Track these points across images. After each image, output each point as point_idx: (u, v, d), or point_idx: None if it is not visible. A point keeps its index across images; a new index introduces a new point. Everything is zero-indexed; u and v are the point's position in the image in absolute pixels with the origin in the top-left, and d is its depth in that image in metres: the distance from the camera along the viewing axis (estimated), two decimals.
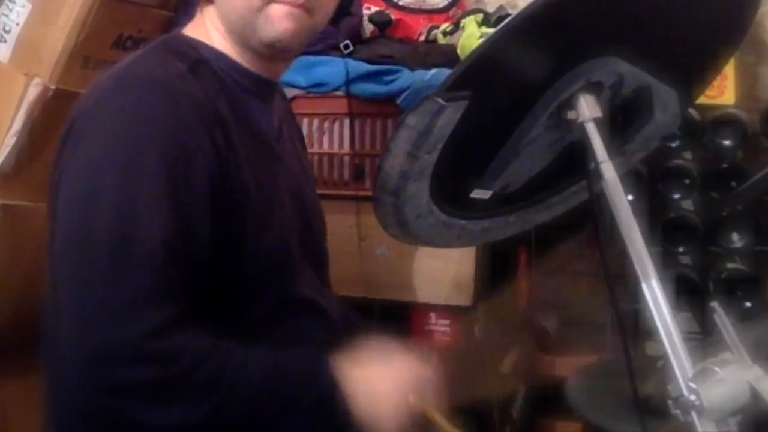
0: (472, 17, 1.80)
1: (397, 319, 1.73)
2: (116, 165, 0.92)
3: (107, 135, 0.94)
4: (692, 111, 2.03)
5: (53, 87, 1.41)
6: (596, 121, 0.86)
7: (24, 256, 1.43)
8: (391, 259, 1.69)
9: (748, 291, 2.06)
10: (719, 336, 0.80)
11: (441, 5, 1.96)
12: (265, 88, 1.10)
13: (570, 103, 0.87)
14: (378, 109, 1.70)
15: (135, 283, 0.87)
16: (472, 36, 1.75)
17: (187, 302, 0.90)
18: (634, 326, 2.08)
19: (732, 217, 2.13)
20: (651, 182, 2.14)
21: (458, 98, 0.80)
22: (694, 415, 0.72)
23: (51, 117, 1.39)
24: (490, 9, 1.95)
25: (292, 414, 0.94)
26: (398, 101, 1.66)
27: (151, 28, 1.48)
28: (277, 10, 1.01)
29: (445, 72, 1.64)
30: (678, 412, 0.73)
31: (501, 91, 0.86)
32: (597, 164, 0.84)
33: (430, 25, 1.92)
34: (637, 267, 0.78)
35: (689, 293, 2.09)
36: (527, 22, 0.78)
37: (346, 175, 1.72)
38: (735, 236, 2.13)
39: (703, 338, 1.98)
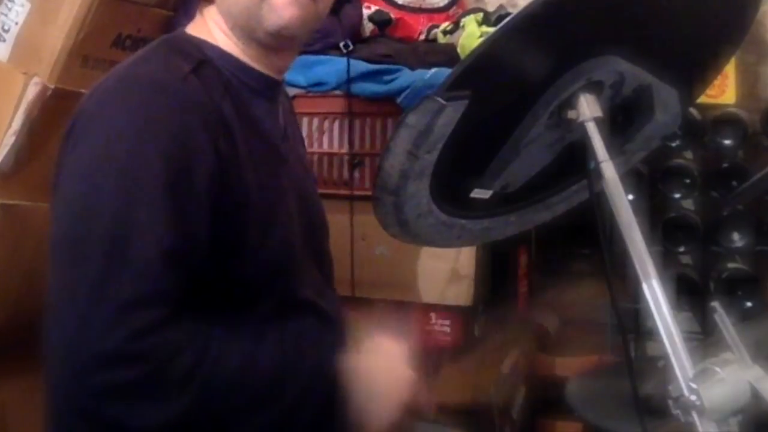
0: (472, 16, 1.80)
1: (397, 319, 1.73)
2: (115, 166, 0.91)
3: (107, 136, 0.93)
4: (693, 110, 2.03)
5: (52, 86, 1.40)
6: (597, 120, 0.86)
7: (23, 255, 1.42)
8: (391, 259, 1.69)
9: (749, 291, 2.06)
10: (720, 336, 0.80)
11: (441, 4, 1.96)
12: (270, 87, 1.09)
13: (570, 103, 0.87)
14: (378, 109, 1.70)
15: (123, 287, 0.86)
16: (472, 35, 1.75)
17: (180, 305, 0.90)
18: (635, 326, 2.08)
19: (732, 217, 2.13)
20: (651, 182, 2.14)
21: (458, 97, 0.80)
22: (695, 415, 0.72)
23: (50, 116, 1.39)
24: (490, 8, 1.95)
25: (289, 413, 0.94)
26: (398, 100, 1.66)
27: (150, 28, 1.47)
28: None
29: (445, 71, 1.64)
30: (678, 412, 0.73)
31: (501, 91, 0.86)
32: (597, 163, 0.84)
33: (430, 24, 1.92)
34: (637, 267, 0.77)
35: (690, 293, 2.09)
36: (527, 21, 0.78)
37: (346, 174, 1.72)
38: (735, 236, 2.13)
39: (704, 338, 1.98)
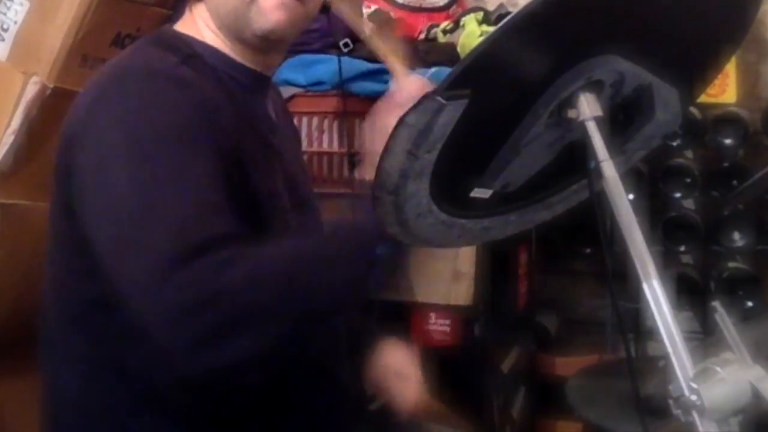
0: (472, 15, 1.80)
1: (397, 318, 1.73)
2: (133, 145, 0.90)
3: (114, 123, 0.93)
4: (693, 109, 2.03)
5: (51, 85, 1.40)
6: (597, 119, 0.86)
7: (22, 255, 1.42)
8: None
9: (750, 290, 2.06)
10: (720, 335, 0.79)
11: (441, 3, 1.96)
12: (259, 82, 1.10)
13: (570, 102, 0.87)
14: None
15: (179, 238, 0.85)
16: (472, 34, 1.75)
17: (233, 233, 0.88)
18: (635, 326, 2.08)
19: (733, 216, 2.13)
20: (652, 181, 2.14)
21: (458, 97, 0.80)
22: (696, 415, 0.72)
23: (49, 115, 1.39)
24: (490, 7, 1.95)
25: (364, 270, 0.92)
26: None
27: (149, 27, 1.47)
28: (268, 2, 1.00)
29: (445, 70, 1.63)
30: (679, 412, 0.73)
31: (501, 90, 0.85)
32: (597, 163, 0.83)
33: (430, 23, 1.92)
34: (637, 266, 0.77)
35: (690, 293, 2.09)
36: (527, 20, 0.77)
37: (346, 173, 1.72)
38: (736, 235, 2.13)
39: (705, 338, 1.98)
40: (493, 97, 0.85)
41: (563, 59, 0.85)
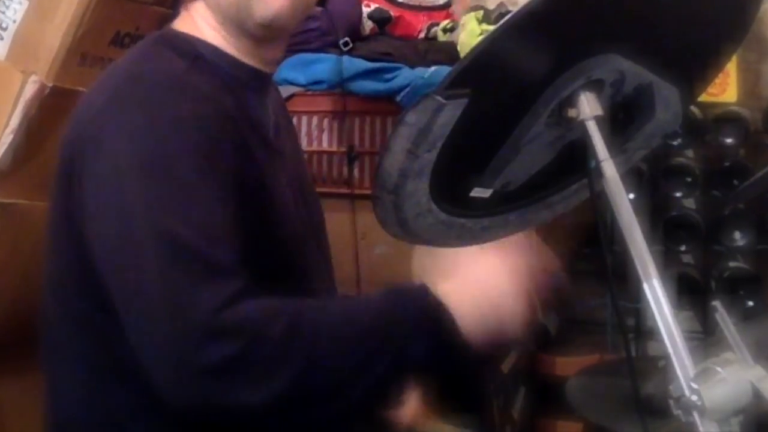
0: (472, 14, 1.80)
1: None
2: (146, 159, 0.90)
3: (130, 135, 0.92)
4: (694, 109, 2.03)
5: (50, 84, 1.40)
6: (597, 119, 0.85)
7: (21, 254, 1.42)
8: (391, 258, 1.69)
9: (750, 290, 2.06)
10: (721, 335, 0.79)
11: (441, 2, 1.96)
12: (260, 81, 1.09)
13: (571, 101, 0.86)
14: (377, 107, 1.69)
15: (189, 268, 0.84)
16: (472, 33, 1.75)
17: (247, 275, 0.87)
18: (636, 326, 2.08)
19: (734, 216, 2.12)
20: (652, 180, 2.14)
21: (458, 96, 0.80)
22: (696, 416, 0.71)
23: (48, 114, 1.39)
24: (491, 6, 1.95)
25: (402, 357, 0.87)
26: (398, 99, 1.66)
27: (148, 26, 1.47)
28: None
29: (445, 69, 1.64)
30: (679, 412, 0.72)
31: (501, 89, 0.85)
32: (598, 162, 0.83)
33: (429, 22, 1.92)
34: (638, 266, 0.77)
35: (691, 292, 2.09)
36: (527, 18, 0.77)
37: (346, 172, 1.72)
38: (737, 235, 2.13)
39: (705, 338, 1.98)
40: (493, 96, 0.85)
41: (563, 58, 0.85)
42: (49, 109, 1.39)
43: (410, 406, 1.15)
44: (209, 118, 0.94)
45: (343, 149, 1.73)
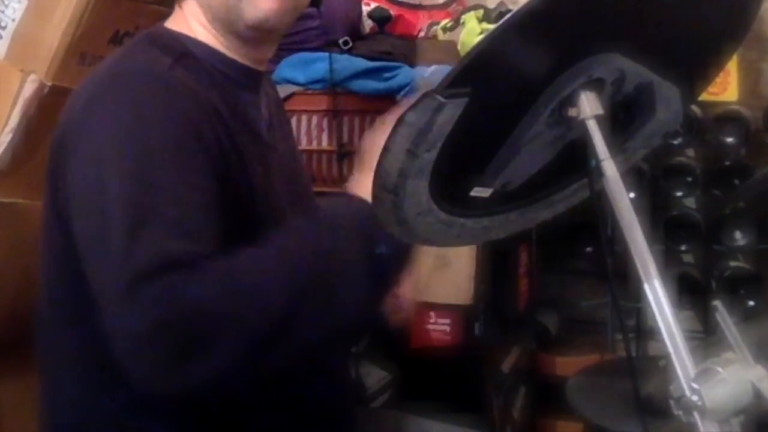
0: (472, 13, 1.80)
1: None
2: (123, 154, 0.90)
3: (110, 128, 0.93)
4: (695, 108, 2.03)
5: (49, 83, 1.40)
6: (597, 118, 0.85)
7: (20, 254, 1.42)
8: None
9: (751, 289, 2.06)
10: (722, 335, 0.79)
11: (440, 1, 1.95)
12: (251, 78, 1.09)
13: (571, 100, 0.86)
14: (377, 106, 1.69)
15: (151, 256, 0.84)
16: (472, 32, 1.74)
17: (208, 254, 0.87)
18: (636, 325, 2.08)
19: (735, 215, 2.12)
20: (653, 180, 2.14)
21: (458, 95, 0.79)
22: (697, 416, 0.71)
23: (47, 114, 1.39)
24: (491, 5, 1.94)
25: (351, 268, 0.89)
26: (398, 98, 1.65)
27: (147, 25, 1.46)
28: None
29: (445, 68, 1.63)
30: (680, 412, 0.72)
31: (501, 88, 0.85)
32: (598, 162, 0.83)
33: (429, 21, 1.91)
34: (638, 266, 0.77)
35: (691, 292, 2.09)
36: (528, 17, 0.77)
37: (346, 171, 1.72)
38: (738, 234, 2.13)
39: (706, 337, 1.98)
40: (494, 96, 0.84)
41: (564, 57, 0.85)
42: (48, 109, 1.39)
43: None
44: (189, 110, 0.94)
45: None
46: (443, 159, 0.86)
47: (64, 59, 1.39)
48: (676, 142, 2.12)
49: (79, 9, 1.38)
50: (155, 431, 0.99)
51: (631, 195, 0.81)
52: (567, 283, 2.39)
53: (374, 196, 0.91)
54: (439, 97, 0.79)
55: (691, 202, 2.21)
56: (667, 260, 2.16)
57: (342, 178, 1.72)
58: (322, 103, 1.72)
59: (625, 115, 0.95)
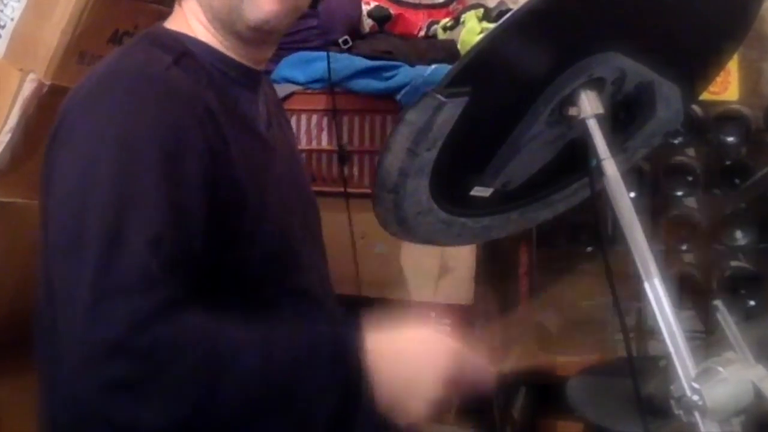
0: (472, 12, 1.80)
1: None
2: (107, 158, 0.90)
3: (98, 130, 0.93)
4: (695, 107, 2.02)
5: (48, 83, 1.40)
6: (598, 117, 0.85)
7: (19, 254, 1.41)
8: (391, 257, 1.68)
9: (752, 289, 2.05)
10: (722, 335, 0.79)
11: (440, 0, 1.95)
12: (250, 78, 1.09)
13: (571, 100, 0.86)
14: (377, 105, 1.69)
15: (123, 277, 0.85)
16: (472, 31, 1.74)
17: (183, 292, 0.88)
18: (637, 325, 2.07)
19: (735, 215, 2.12)
20: (653, 179, 2.13)
21: (458, 94, 0.79)
22: (697, 416, 0.71)
23: (46, 113, 1.38)
24: (491, 4, 1.94)
25: (310, 407, 0.87)
26: (398, 97, 1.65)
27: (147, 24, 1.46)
28: None
29: (446, 67, 1.63)
30: (681, 412, 0.72)
31: (502, 87, 0.85)
32: (599, 161, 0.83)
33: (429, 20, 1.91)
34: (639, 265, 0.77)
35: (692, 292, 2.08)
36: (528, 17, 0.77)
37: (346, 171, 1.72)
38: (739, 234, 2.13)
39: (707, 337, 1.97)
40: (494, 95, 0.84)
41: (564, 56, 0.84)
42: (47, 108, 1.38)
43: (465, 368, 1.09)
44: (181, 118, 0.94)
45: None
46: (444, 158, 0.86)
47: (63, 58, 1.39)
48: (676, 142, 2.11)
49: (79, 8, 1.38)
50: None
51: (632, 194, 0.81)
52: (567, 283, 2.38)
53: (374, 195, 0.91)
54: (440, 96, 0.79)
55: (691, 202, 2.21)
56: (668, 260, 2.15)
57: (341, 178, 1.72)
58: (322, 102, 1.71)
59: (625, 115, 0.95)
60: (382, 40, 1.78)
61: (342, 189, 1.70)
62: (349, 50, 1.71)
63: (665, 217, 2.13)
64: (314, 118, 1.73)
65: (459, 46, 1.77)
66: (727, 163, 2.13)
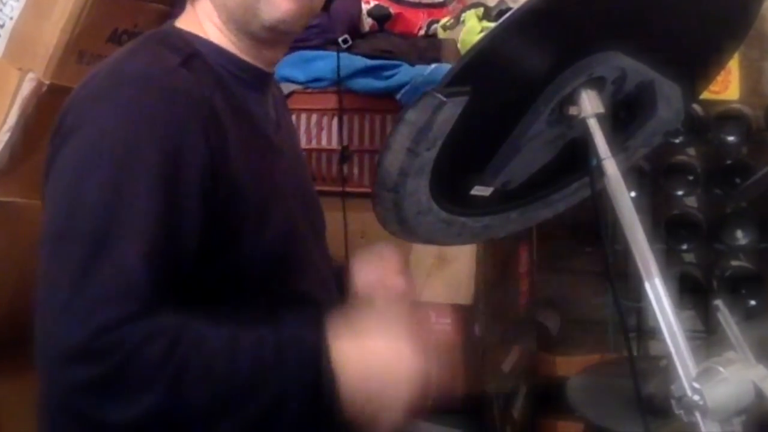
0: (472, 11, 1.80)
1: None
2: (106, 161, 0.90)
3: (98, 131, 0.93)
4: (696, 106, 2.02)
5: (47, 82, 1.40)
6: (598, 116, 0.85)
7: (18, 253, 1.41)
8: None
9: (753, 289, 2.05)
10: (723, 335, 0.79)
11: None
12: (260, 79, 1.09)
13: (572, 99, 0.86)
14: (377, 105, 1.69)
15: (100, 283, 0.85)
16: (472, 30, 1.74)
17: (159, 300, 0.88)
18: (637, 325, 2.07)
19: (736, 214, 2.12)
20: (654, 179, 2.13)
21: (458, 94, 0.79)
22: (698, 416, 0.71)
23: (45, 112, 1.38)
24: (491, 3, 1.94)
25: (276, 407, 0.88)
26: (398, 96, 1.65)
27: (147, 23, 1.46)
28: None
29: (446, 67, 1.63)
30: (681, 412, 0.72)
31: (502, 87, 0.85)
32: (599, 161, 0.83)
33: (429, 19, 1.91)
34: (639, 265, 0.77)
35: (693, 291, 2.08)
36: (528, 16, 0.77)
37: (346, 170, 1.72)
38: (739, 233, 2.12)
39: (707, 337, 1.97)
40: (494, 94, 0.84)
41: (564, 56, 0.84)
42: (47, 107, 1.38)
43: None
44: (183, 120, 0.94)
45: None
46: (444, 158, 0.86)
47: (62, 57, 1.39)
48: (677, 141, 2.11)
49: (78, 7, 1.37)
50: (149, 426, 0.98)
51: (632, 194, 0.81)
52: (567, 283, 2.38)
53: (374, 194, 0.91)
54: (440, 96, 0.78)
55: (692, 201, 2.21)
56: (668, 259, 2.15)
57: (342, 177, 1.72)
58: (322, 101, 1.71)
59: (626, 114, 0.95)
60: (382, 39, 1.78)
61: (339, 188, 1.70)
62: (349, 49, 1.71)
63: (666, 217, 2.13)
64: (314, 117, 1.73)
65: (459, 46, 1.77)
66: (728, 162, 2.13)
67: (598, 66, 0.86)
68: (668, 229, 2.12)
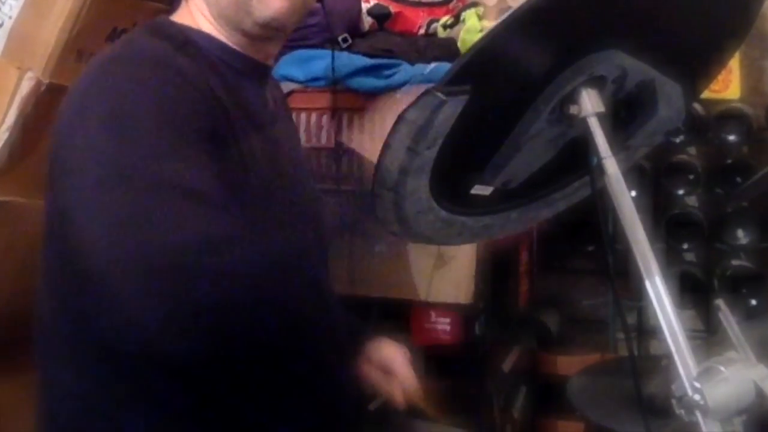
0: (472, 10, 1.79)
1: (397, 317, 1.72)
2: (116, 130, 0.89)
3: (116, 98, 0.92)
4: (697, 105, 2.02)
5: (46, 81, 1.39)
6: (599, 115, 0.85)
7: (17, 253, 1.41)
8: (390, 257, 1.68)
9: (754, 288, 2.05)
10: (724, 334, 0.79)
11: None
12: (257, 69, 1.09)
13: (572, 98, 0.86)
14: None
15: (154, 213, 0.85)
16: (472, 29, 1.74)
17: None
18: (638, 324, 2.07)
19: (737, 214, 2.12)
20: (654, 178, 2.14)
21: (458, 93, 0.79)
22: (699, 415, 0.71)
23: (44, 111, 1.38)
24: (491, 2, 1.93)
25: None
26: (397, 95, 1.65)
27: (146, 21, 1.46)
28: None
29: (445, 66, 1.63)
30: (682, 411, 0.72)
31: (502, 86, 0.85)
32: (600, 160, 0.83)
33: (429, 18, 1.91)
34: (640, 264, 0.76)
35: (693, 291, 2.09)
36: (529, 15, 0.77)
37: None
38: (740, 233, 2.13)
39: (708, 336, 1.98)
40: (494, 93, 0.84)
41: (565, 55, 0.84)
42: (46, 106, 1.38)
43: (403, 396, 1.16)
44: (185, 92, 0.93)
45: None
46: (444, 157, 0.86)
47: (61, 57, 1.39)
48: (677, 140, 2.12)
49: (77, 6, 1.37)
50: (153, 423, 0.98)
51: (633, 193, 0.81)
52: (568, 282, 2.38)
53: (374, 194, 0.90)
54: (440, 95, 0.78)
55: (692, 201, 2.21)
56: (669, 259, 2.16)
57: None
58: (322, 100, 1.71)
59: (626, 113, 0.95)
60: (381, 38, 1.78)
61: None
62: (348, 48, 1.71)
63: (666, 216, 2.13)
64: (313, 116, 1.73)
65: (459, 45, 1.77)
66: (729, 161, 2.13)
67: (599, 65, 0.86)
68: (669, 229, 2.12)
